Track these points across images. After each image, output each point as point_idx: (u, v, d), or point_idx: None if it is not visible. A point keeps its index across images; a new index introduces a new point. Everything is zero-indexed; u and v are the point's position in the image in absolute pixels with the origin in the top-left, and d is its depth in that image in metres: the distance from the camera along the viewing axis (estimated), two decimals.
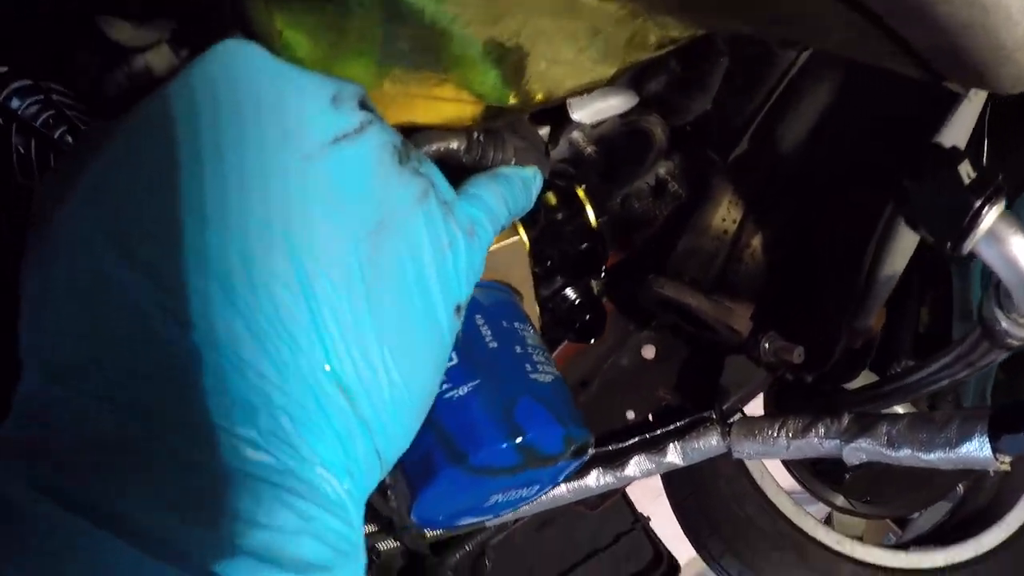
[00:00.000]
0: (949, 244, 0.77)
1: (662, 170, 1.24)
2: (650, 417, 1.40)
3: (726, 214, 1.22)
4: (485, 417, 0.71)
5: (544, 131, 1.12)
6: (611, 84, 0.84)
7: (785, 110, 1.04)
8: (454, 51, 0.74)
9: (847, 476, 1.59)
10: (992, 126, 1.07)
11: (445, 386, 0.73)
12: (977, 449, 1.01)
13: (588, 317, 0.90)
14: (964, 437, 1.02)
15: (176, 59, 0.74)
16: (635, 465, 1.29)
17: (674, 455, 1.29)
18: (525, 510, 1.32)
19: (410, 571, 1.37)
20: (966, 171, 0.76)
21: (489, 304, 0.81)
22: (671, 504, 1.65)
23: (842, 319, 1.14)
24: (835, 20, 0.60)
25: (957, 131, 0.95)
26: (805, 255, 1.17)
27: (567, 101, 1.05)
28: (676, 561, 1.69)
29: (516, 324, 0.80)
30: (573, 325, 0.89)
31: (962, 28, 0.50)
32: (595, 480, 1.30)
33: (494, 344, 0.76)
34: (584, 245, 0.81)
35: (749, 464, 1.58)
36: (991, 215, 0.76)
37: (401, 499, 0.75)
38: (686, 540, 1.71)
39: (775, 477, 1.60)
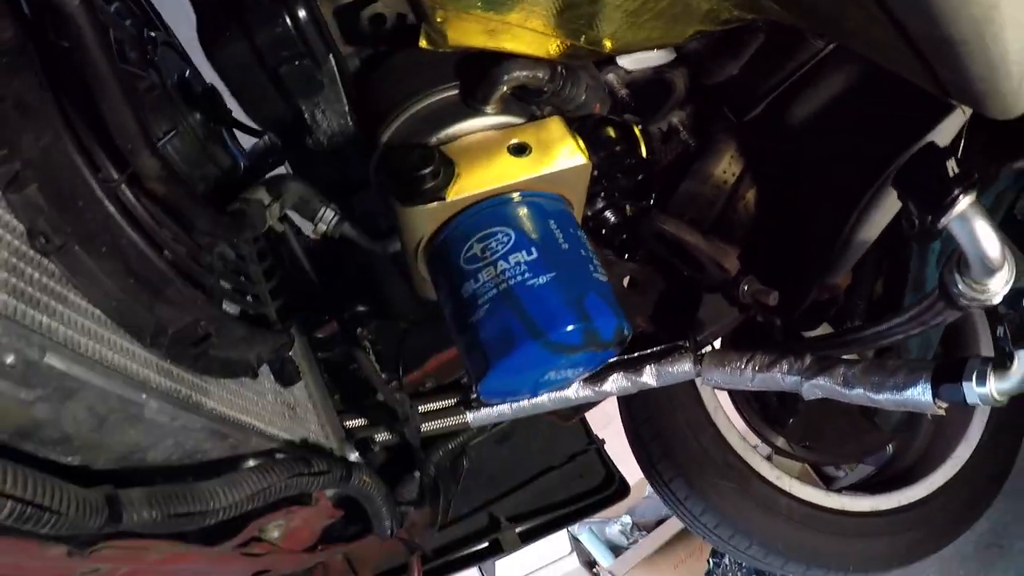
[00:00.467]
0: (930, 218, 0.94)
1: (675, 118, 1.35)
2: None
3: (727, 167, 1.34)
4: (562, 303, 0.83)
5: None
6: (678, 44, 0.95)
7: (803, 88, 1.16)
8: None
9: (791, 421, 1.76)
10: (970, 132, 1.24)
11: (527, 275, 0.84)
12: (920, 394, 1.17)
13: (625, 236, 1.01)
14: (910, 383, 1.18)
15: None
16: (613, 382, 1.41)
17: (649, 376, 1.42)
18: (507, 414, 1.43)
19: (400, 464, 1.46)
20: (952, 166, 0.92)
21: (557, 212, 0.91)
22: (626, 429, 1.79)
23: (816, 273, 1.28)
24: (872, 29, 0.73)
25: (944, 133, 1.12)
26: (791, 214, 1.31)
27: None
28: (627, 483, 1.84)
29: (579, 233, 0.91)
30: (612, 243, 1.00)
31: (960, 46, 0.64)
32: (574, 392, 1.42)
33: (565, 245, 0.87)
34: (640, 176, 0.91)
35: (705, 399, 1.73)
36: (965, 201, 0.93)
37: (474, 370, 0.86)
38: (631, 466, 1.85)
39: (727, 413, 1.76)
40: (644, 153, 0.98)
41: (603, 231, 1.02)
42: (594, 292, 0.85)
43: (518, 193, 0.90)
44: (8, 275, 0.81)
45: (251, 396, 1.18)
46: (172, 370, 1.00)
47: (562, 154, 0.91)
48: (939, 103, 1.06)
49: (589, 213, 1.02)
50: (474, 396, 1.39)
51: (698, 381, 1.44)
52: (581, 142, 0.94)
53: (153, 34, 1.19)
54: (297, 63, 0.92)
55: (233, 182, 1.16)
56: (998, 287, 1.03)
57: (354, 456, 1.35)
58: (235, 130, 1.28)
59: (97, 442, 0.90)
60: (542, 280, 0.84)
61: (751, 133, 1.31)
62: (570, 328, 0.82)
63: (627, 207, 1.05)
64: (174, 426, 0.97)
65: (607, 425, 1.99)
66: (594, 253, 0.91)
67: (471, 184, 0.89)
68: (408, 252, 0.96)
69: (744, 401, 1.84)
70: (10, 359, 0.75)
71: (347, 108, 0.97)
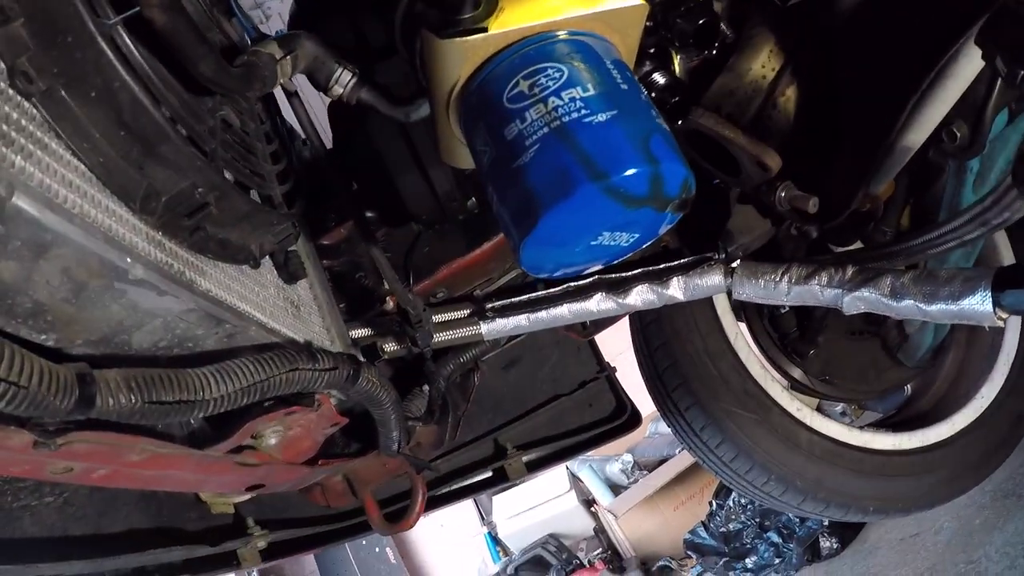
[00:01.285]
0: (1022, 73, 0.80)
1: (714, 5, 1.22)
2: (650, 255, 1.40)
3: (767, 61, 1.21)
4: (626, 142, 0.70)
5: None
6: None
7: None
8: None
9: (811, 353, 1.65)
10: None
11: (584, 111, 0.70)
12: (979, 303, 1.05)
13: (676, 99, 0.88)
14: (968, 291, 1.06)
15: None
16: (638, 294, 1.29)
17: (676, 289, 1.30)
18: (524, 326, 1.30)
19: (407, 378, 1.33)
20: None
21: (612, 59, 0.78)
22: (639, 356, 1.67)
23: (860, 178, 1.16)
24: None
25: None
26: (836, 112, 1.18)
27: None
28: (639, 413, 1.72)
29: (633, 76, 0.78)
30: (663, 106, 0.87)
31: None
32: (596, 304, 1.29)
33: (625, 87, 0.74)
34: (702, 20, 0.78)
35: (725, 325, 1.61)
36: None
37: (518, 225, 0.73)
38: (640, 399, 1.73)
39: (748, 341, 1.64)
40: None
41: (651, 94, 0.89)
42: (660, 135, 0.72)
43: (567, 32, 0.76)
44: None
45: (251, 285, 1.05)
46: (163, 242, 0.88)
47: None
48: None
49: (637, 75, 0.89)
50: (490, 306, 1.27)
51: (725, 299, 1.31)
52: None
53: None
54: None
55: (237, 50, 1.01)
56: None
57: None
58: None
59: (74, 317, 0.78)
60: (602, 117, 0.70)
61: (795, 20, 1.18)
62: (636, 171, 0.69)
63: (676, 70, 0.92)
64: (163, 303, 0.84)
65: (619, 355, 1.87)
66: (651, 99, 0.78)
67: (516, 17, 0.76)
68: (439, 104, 0.83)
69: (762, 331, 1.72)
70: None
71: None
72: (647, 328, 1.64)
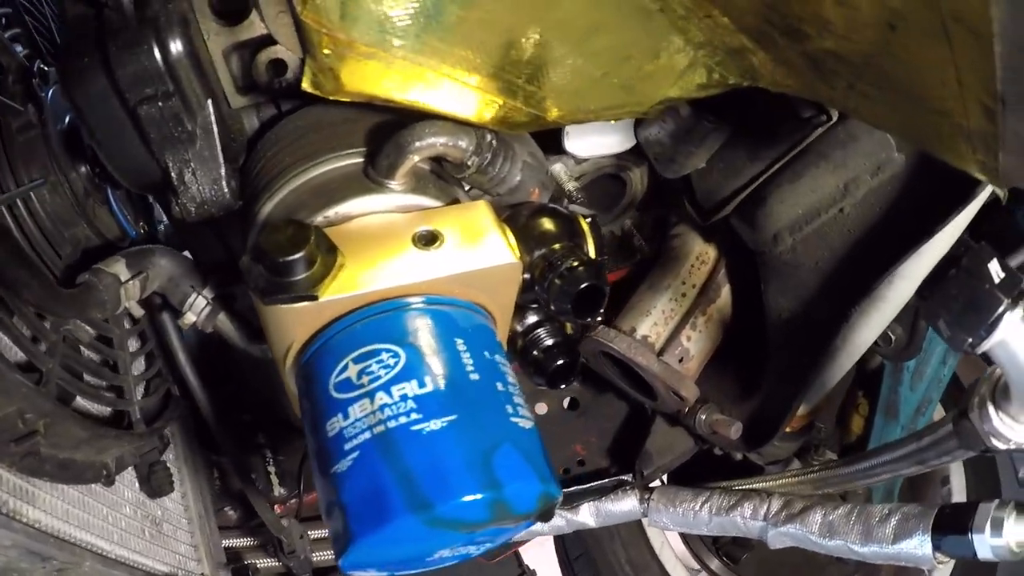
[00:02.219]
0: (969, 340, 0.68)
1: (629, 221, 1.11)
2: (562, 471, 1.25)
3: (688, 276, 1.10)
4: (460, 462, 0.55)
5: None
6: (644, 117, 0.71)
7: (782, 183, 0.93)
8: (491, 39, 0.60)
9: (744, 556, 1.48)
10: None
11: (414, 416, 0.56)
12: (917, 547, 0.93)
13: (562, 362, 0.74)
14: (905, 534, 0.94)
15: None
16: None
17: (587, 515, 1.16)
18: None
19: None
20: (995, 271, 0.68)
21: (472, 328, 0.65)
22: (559, 559, 1.50)
23: (791, 401, 1.03)
24: (945, 99, 0.50)
25: (956, 227, 0.87)
26: (758, 332, 1.05)
27: (564, 130, 0.90)
28: None
29: (497, 357, 0.64)
30: (546, 368, 0.73)
31: None
32: None
33: (476, 376, 0.60)
34: (591, 283, 0.65)
35: (650, 533, 1.45)
36: (1014, 316, 0.68)
37: (334, 536, 0.57)
38: None
39: (673, 547, 1.47)
40: (592, 253, 0.72)
41: (534, 353, 0.76)
42: (510, 444, 0.57)
43: (421, 298, 0.63)
44: None
45: (99, 508, 0.92)
46: None
47: (484, 249, 0.66)
48: (960, 188, 0.81)
49: (519, 328, 0.76)
50: None
51: (644, 521, 1.16)
52: (511, 235, 0.68)
53: (48, 69, 0.95)
54: (162, 105, 0.67)
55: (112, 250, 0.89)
56: None
57: None
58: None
59: None
60: (435, 425, 0.56)
61: (719, 237, 1.07)
62: (470, 499, 0.54)
63: (567, 324, 0.79)
64: None
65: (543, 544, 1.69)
66: (516, 387, 0.64)
67: (356, 281, 0.62)
68: (278, 363, 0.69)
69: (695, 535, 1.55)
70: None
71: (223, 171, 0.71)
72: (564, 537, 1.47)
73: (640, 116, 0.70)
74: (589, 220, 0.73)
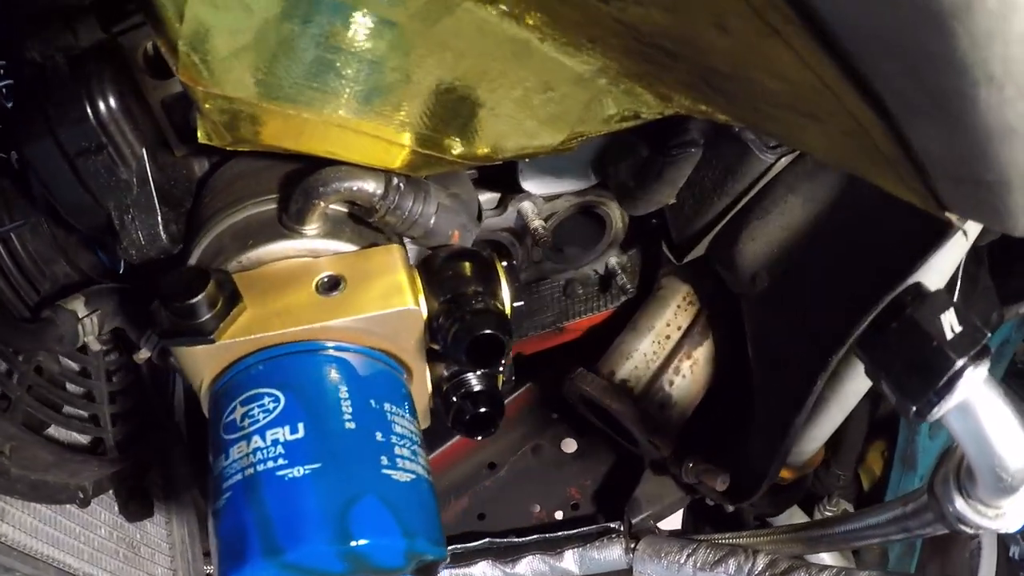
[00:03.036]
0: (914, 408, 0.63)
1: (613, 260, 1.11)
2: (557, 515, 1.25)
3: (672, 319, 1.09)
4: (315, 510, 0.57)
5: (493, 196, 0.99)
6: (561, 154, 0.72)
7: (751, 219, 0.90)
8: (407, 72, 0.62)
9: None
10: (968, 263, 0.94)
11: (281, 461, 0.59)
12: None
13: (483, 411, 0.75)
14: None
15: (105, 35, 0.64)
16: (528, 564, 1.15)
17: (571, 562, 1.15)
18: None
19: None
20: (950, 323, 0.62)
21: (365, 375, 0.67)
22: None
23: (775, 454, 0.99)
24: (832, 112, 0.47)
25: (939, 271, 0.81)
26: (746, 378, 1.03)
27: (518, 167, 0.92)
28: None
29: (387, 406, 0.66)
30: (463, 416, 0.74)
31: (1004, 133, 0.36)
32: (481, 572, 1.15)
33: (351, 424, 0.62)
34: (486, 331, 0.66)
35: None
36: (972, 379, 0.62)
37: (215, 570, 0.61)
38: None
39: None
40: (507, 299, 0.73)
41: (454, 399, 0.77)
42: (375, 496, 0.59)
43: (315, 343, 0.66)
44: None
45: (72, 527, 0.98)
46: None
47: (384, 294, 0.68)
48: (931, 226, 0.73)
49: (445, 374, 0.77)
50: None
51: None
52: (418, 281, 0.70)
53: None
54: (96, 157, 0.73)
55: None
56: (1016, 509, 0.71)
57: None
58: None
59: None
60: (298, 472, 0.58)
61: (708, 280, 1.05)
62: (318, 548, 0.56)
63: (499, 375, 0.80)
64: None
65: None
66: (406, 438, 0.65)
67: (253, 325, 0.66)
68: (198, 396, 0.73)
69: None
70: None
71: (159, 218, 0.77)
72: None
73: (557, 152, 0.71)
74: (505, 265, 0.74)
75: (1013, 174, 0.39)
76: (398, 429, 0.65)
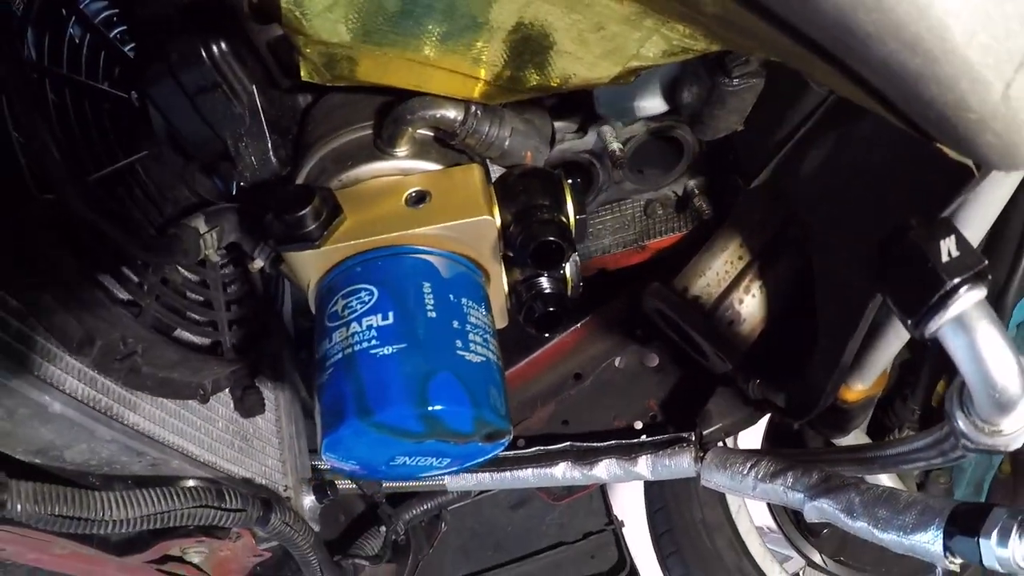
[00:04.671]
0: (911, 322, 0.73)
1: (691, 183, 1.22)
2: (635, 425, 1.39)
3: (744, 242, 1.19)
4: (400, 380, 0.73)
5: (573, 121, 1.11)
6: (621, 84, 0.83)
7: (809, 146, 1.00)
8: (476, 18, 0.75)
9: (824, 531, 1.55)
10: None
11: (374, 342, 0.75)
12: (930, 542, 0.96)
13: (551, 310, 0.89)
14: (920, 526, 0.97)
15: None
16: (605, 467, 1.29)
17: (644, 467, 1.29)
18: (487, 483, 1.34)
19: (366, 517, 1.40)
20: (948, 247, 0.71)
21: (447, 276, 0.82)
22: (647, 513, 1.64)
23: (831, 373, 1.10)
24: (812, 61, 0.58)
25: (977, 210, 0.88)
26: (811, 303, 1.13)
27: (594, 95, 1.04)
28: (638, 571, 1.69)
29: (464, 300, 0.81)
30: (533, 315, 0.89)
31: (914, 79, 0.45)
32: (562, 472, 1.30)
33: (433, 314, 0.78)
34: (545, 239, 0.80)
35: (728, 495, 1.55)
36: (965, 300, 0.70)
37: (318, 435, 0.78)
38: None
39: (751, 514, 1.57)
40: (571, 212, 0.86)
41: (526, 298, 0.91)
42: (449, 372, 0.74)
43: (403, 248, 0.81)
44: None
45: (194, 419, 1.18)
46: (96, 379, 1.01)
47: (463, 207, 0.82)
48: (955, 171, 0.80)
49: (520, 278, 0.92)
50: None
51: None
52: (493, 195, 0.84)
53: None
54: (213, 94, 0.89)
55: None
56: (1015, 428, 0.79)
57: (308, 499, 1.30)
58: None
59: (11, 432, 0.94)
60: (388, 350, 0.74)
61: (766, 201, 1.16)
62: (402, 411, 0.72)
63: (568, 279, 0.94)
64: (84, 432, 0.99)
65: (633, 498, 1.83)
66: (480, 328, 0.80)
67: (350, 233, 0.81)
68: (306, 295, 0.90)
69: (779, 506, 1.63)
70: None
71: (269, 144, 0.92)
72: (650, 488, 1.61)
73: (616, 83, 0.82)
74: (571, 182, 0.87)
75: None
76: (472, 320, 0.80)
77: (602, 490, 1.72)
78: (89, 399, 1.00)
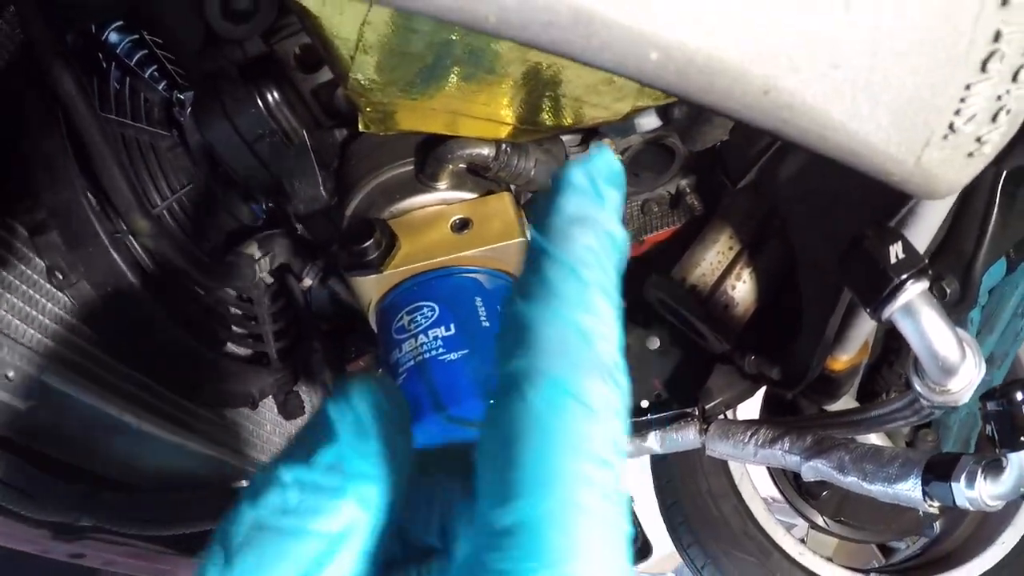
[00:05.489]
0: (869, 310, 0.96)
1: (683, 182, 1.44)
2: (642, 404, 1.62)
3: (733, 233, 1.42)
4: (467, 380, 0.95)
5: (576, 136, 1.32)
6: (629, 119, 1.05)
7: (786, 154, 1.22)
8: (500, 71, 0.96)
9: (823, 493, 1.78)
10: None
11: (440, 350, 0.96)
12: (911, 489, 1.19)
13: None
14: (901, 476, 1.19)
15: (265, 47, 0.97)
16: None
17: (653, 442, 1.51)
18: None
19: None
20: (896, 251, 0.95)
21: (491, 289, 1.04)
22: (655, 487, 1.86)
23: (816, 346, 1.33)
24: None
25: (925, 211, 1.09)
26: (793, 285, 1.36)
27: None
28: (649, 544, 1.92)
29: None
30: None
31: (846, 160, 0.67)
32: None
33: (487, 323, 0.99)
34: None
35: (731, 465, 1.78)
36: (910, 291, 0.93)
37: None
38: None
39: (753, 481, 1.80)
40: None
41: None
42: None
43: (454, 269, 1.03)
44: (24, 304, 1.03)
45: (247, 426, 1.38)
46: (164, 393, 1.20)
47: (498, 231, 1.03)
48: None
49: None
50: None
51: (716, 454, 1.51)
52: (524, 218, 1.06)
53: (183, 96, 1.40)
54: (269, 139, 1.09)
55: (248, 232, 1.35)
56: (960, 387, 1.04)
57: None
58: None
59: (91, 448, 1.12)
60: (453, 356, 0.96)
61: (750, 200, 1.38)
62: (471, 404, 0.94)
63: None
64: (160, 443, 1.19)
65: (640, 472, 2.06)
66: None
67: (408, 257, 1.02)
68: (365, 313, 1.11)
69: (778, 471, 1.87)
70: (11, 373, 0.96)
71: (319, 179, 1.13)
72: (656, 463, 1.84)
73: (626, 119, 1.04)
74: None
75: None
76: None
77: None
78: (161, 412, 1.20)
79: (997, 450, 1.09)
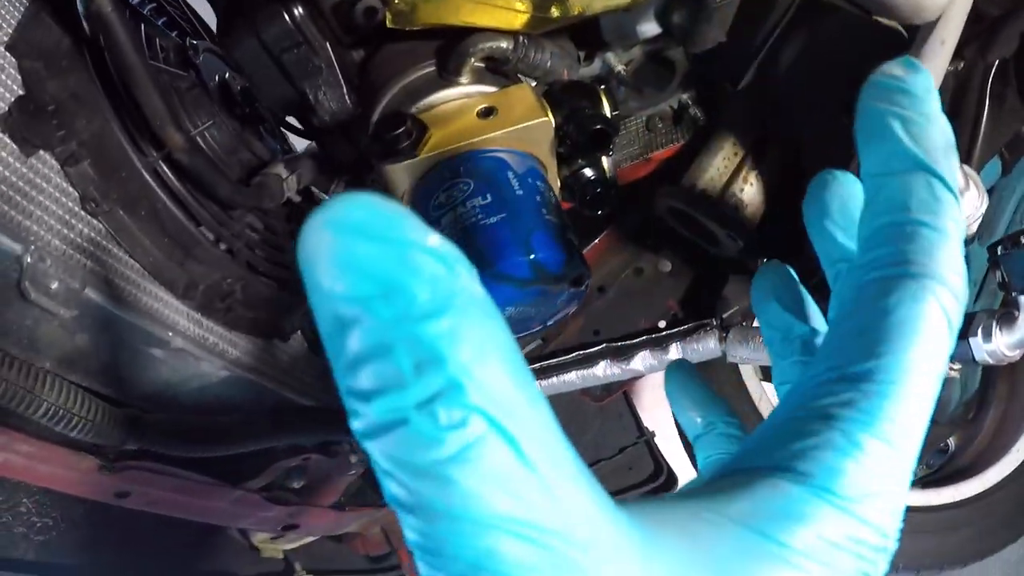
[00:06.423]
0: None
1: (684, 96, 1.60)
2: (660, 324, 1.77)
3: (737, 138, 1.57)
4: (508, 239, 1.09)
5: (582, 52, 1.48)
6: (634, 7, 1.20)
7: (786, 41, 1.39)
8: None
9: None
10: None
11: (480, 216, 1.11)
12: None
13: (599, 191, 1.26)
14: None
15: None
16: (640, 360, 1.65)
17: (676, 353, 1.65)
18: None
19: None
20: None
21: (520, 169, 1.18)
22: (675, 419, 1.99)
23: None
24: None
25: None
26: (799, 187, 1.51)
27: (600, 24, 1.41)
28: (675, 474, 2.05)
29: (538, 183, 1.17)
30: (585, 196, 1.26)
31: None
32: (603, 370, 1.66)
33: (520, 192, 1.14)
34: (597, 126, 1.17)
35: (750, 388, 1.93)
36: None
37: None
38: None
39: (772, 402, 1.94)
40: (607, 111, 1.23)
41: (575, 184, 1.28)
42: (541, 231, 1.09)
43: (487, 150, 1.17)
44: (63, 228, 1.16)
45: (280, 355, 1.51)
46: (202, 320, 1.33)
47: (524, 113, 1.18)
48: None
49: (567, 172, 1.28)
50: None
51: (728, 358, 1.65)
52: (544, 102, 1.21)
53: (196, 42, 1.55)
54: (296, 51, 1.23)
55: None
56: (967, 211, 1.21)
57: None
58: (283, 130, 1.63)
59: (131, 375, 1.23)
60: (493, 220, 1.09)
61: (752, 100, 1.54)
62: (515, 260, 1.08)
63: (604, 166, 1.31)
64: (199, 368, 1.31)
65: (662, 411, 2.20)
66: (552, 201, 1.16)
67: (440, 143, 1.16)
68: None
69: None
70: (55, 285, 1.08)
71: (345, 89, 1.27)
72: None
73: (632, 6, 1.20)
74: (603, 88, 1.24)
75: None
76: (546, 196, 1.16)
77: (630, 406, 2.08)
78: (199, 337, 1.34)
79: (1012, 295, 1.25)
